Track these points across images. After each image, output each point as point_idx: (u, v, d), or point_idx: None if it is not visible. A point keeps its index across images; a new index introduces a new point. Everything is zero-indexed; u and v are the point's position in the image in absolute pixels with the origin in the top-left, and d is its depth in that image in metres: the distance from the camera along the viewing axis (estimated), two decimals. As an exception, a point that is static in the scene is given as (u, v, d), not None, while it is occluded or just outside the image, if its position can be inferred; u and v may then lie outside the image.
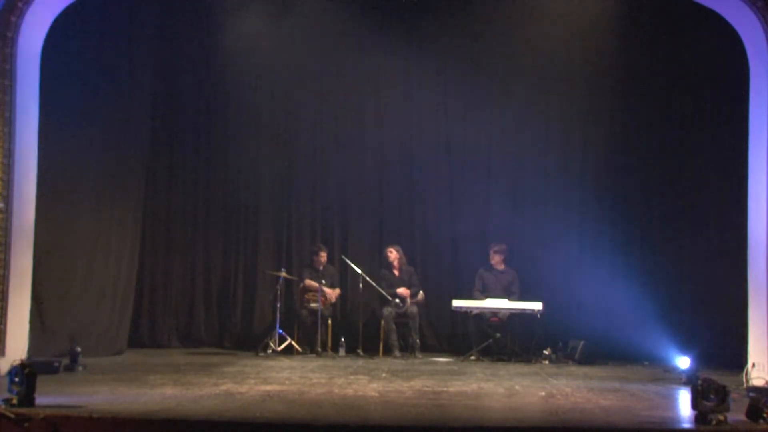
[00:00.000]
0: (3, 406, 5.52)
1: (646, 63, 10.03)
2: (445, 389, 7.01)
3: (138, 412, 5.64)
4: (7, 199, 7.71)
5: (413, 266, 10.22)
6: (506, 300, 9.58)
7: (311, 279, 9.96)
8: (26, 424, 5.33)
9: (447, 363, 9.18)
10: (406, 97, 10.63)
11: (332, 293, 9.95)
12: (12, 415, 5.36)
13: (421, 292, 9.98)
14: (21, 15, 7.79)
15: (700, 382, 5.56)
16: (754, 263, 7.94)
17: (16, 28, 7.78)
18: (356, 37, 10.45)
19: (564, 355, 9.35)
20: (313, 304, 9.70)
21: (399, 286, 9.87)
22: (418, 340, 9.73)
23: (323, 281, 9.83)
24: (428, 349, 10.08)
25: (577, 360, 9.22)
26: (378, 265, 10.39)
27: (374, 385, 7.11)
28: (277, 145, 10.68)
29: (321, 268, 10.01)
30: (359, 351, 9.66)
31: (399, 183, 10.65)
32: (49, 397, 6.00)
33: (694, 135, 9.78)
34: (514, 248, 10.11)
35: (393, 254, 9.99)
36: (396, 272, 10.00)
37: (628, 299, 9.92)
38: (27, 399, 5.62)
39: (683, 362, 7.83)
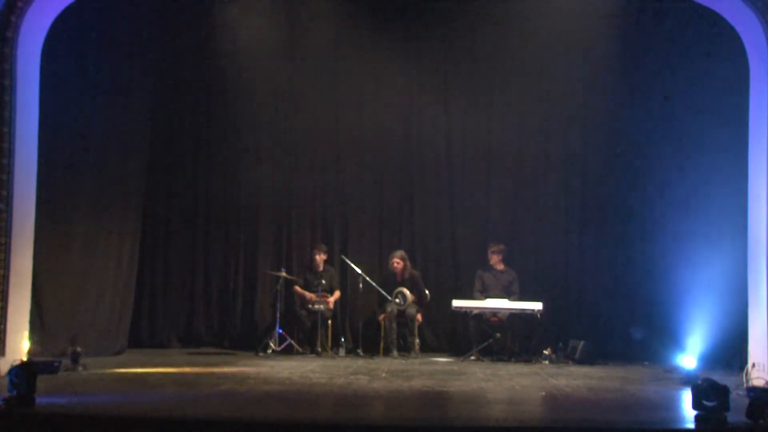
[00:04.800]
0: (3, 406, 5.52)
1: (646, 62, 10.04)
2: (445, 389, 7.01)
3: (138, 412, 5.64)
4: (7, 199, 7.71)
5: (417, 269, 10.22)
6: (506, 300, 9.57)
7: (309, 280, 9.97)
8: (26, 424, 5.34)
9: (447, 363, 9.18)
10: (406, 97, 10.64)
11: (330, 300, 9.92)
12: (12, 415, 5.36)
13: (426, 291, 9.97)
14: (21, 15, 7.79)
15: (700, 382, 5.56)
16: (754, 263, 7.94)
17: (16, 28, 7.78)
18: (356, 36, 10.46)
19: (564, 355, 9.34)
20: (316, 306, 9.69)
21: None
22: (417, 341, 9.72)
23: (322, 281, 9.83)
24: (428, 349, 10.08)
25: (577, 360, 9.21)
26: (378, 264, 10.40)
27: (374, 385, 7.11)
28: (277, 145, 10.68)
29: (320, 269, 10.01)
30: (359, 351, 9.66)
31: (399, 183, 10.65)
32: (49, 397, 6.00)
33: (693, 135, 9.77)
34: (514, 248, 10.13)
35: (399, 265, 9.93)
36: (399, 279, 9.98)
37: (628, 299, 9.93)
38: (27, 399, 5.61)
39: (688, 362, 7.81)
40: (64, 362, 7.80)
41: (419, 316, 9.83)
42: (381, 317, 9.80)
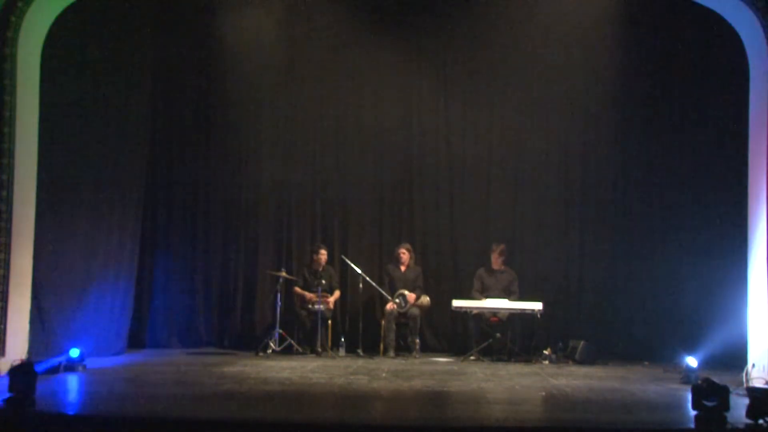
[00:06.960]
0: (3, 406, 5.52)
1: (646, 63, 10.04)
2: (445, 389, 7.01)
3: (138, 412, 5.65)
4: (7, 199, 7.72)
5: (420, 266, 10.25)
6: (506, 300, 9.57)
7: (308, 280, 9.97)
8: (26, 424, 5.34)
9: (447, 363, 9.18)
10: (406, 97, 10.63)
11: (330, 300, 9.91)
12: (12, 415, 5.37)
13: (427, 297, 9.97)
14: (21, 15, 7.80)
15: (700, 382, 5.57)
16: (754, 263, 7.94)
17: (16, 28, 7.79)
18: (356, 37, 10.46)
19: (564, 355, 9.35)
20: (316, 306, 9.69)
21: (403, 283, 9.91)
22: (417, 341, 9.72)
23: (322, 281, 9.82)
24: (428, 349, 10.08)
25: (577, 360, 9.21)
26: (378, 265, 10.40)
27: (374, 385, 7.11)
28: (277, 144, 10.68)
29: (320, 269, 10.00)
30: (359, 351, 9.66)
31: (399, 183, 10.64)
32: (49, 397, 6.00)
33: (694, 135, 9.79)
34: (514, 248, 10.14)
35: (405, 255, 10.01)
36: (402, 268, 10.02)
37: (628, 299, 9.93)
38: (27, 399, 5.62)
39: (688, 362, 7.82)
40: (64, 362, 7.81)
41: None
42: (388, 306, 9.75)
